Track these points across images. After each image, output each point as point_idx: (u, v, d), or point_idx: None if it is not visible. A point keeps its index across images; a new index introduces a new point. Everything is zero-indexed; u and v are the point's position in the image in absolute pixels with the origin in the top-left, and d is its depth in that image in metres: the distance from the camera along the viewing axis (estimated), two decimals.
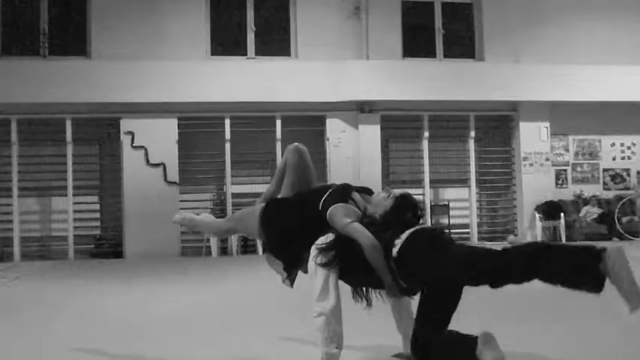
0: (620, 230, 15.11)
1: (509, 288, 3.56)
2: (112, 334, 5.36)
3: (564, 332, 5.04)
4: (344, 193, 3.98)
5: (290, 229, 4.08)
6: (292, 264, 4.12)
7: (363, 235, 3.66)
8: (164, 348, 4.75)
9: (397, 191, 4.01)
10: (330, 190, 4.02)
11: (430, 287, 3.54)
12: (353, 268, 3.78)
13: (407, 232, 3.64)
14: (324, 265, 3.75)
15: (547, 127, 15.55)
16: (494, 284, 3.50)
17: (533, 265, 3.35)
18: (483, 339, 3.38)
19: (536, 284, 3.49)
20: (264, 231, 4.20)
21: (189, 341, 4.74)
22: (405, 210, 3.80)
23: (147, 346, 4.83)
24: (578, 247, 3.37)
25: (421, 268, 3.55)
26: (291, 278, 4.18)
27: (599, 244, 3.32)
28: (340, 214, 3.79)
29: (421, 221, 3.93)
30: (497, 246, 3.62)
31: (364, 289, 3.97)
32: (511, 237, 15.37)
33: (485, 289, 3.59)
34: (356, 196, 3.97)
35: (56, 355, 4.58)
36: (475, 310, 3.71)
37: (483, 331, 3.42)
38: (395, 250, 3.60)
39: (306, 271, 3.94)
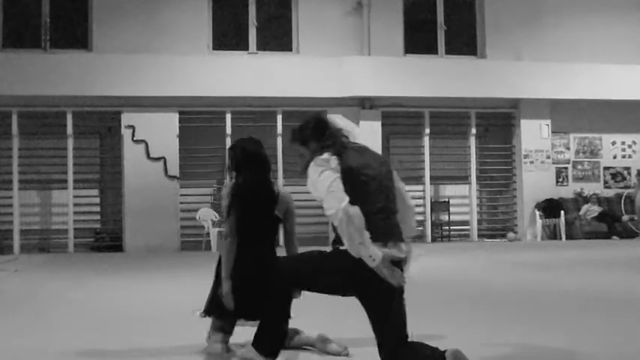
0: (620, 228, 15.12)
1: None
2: (111, 327, 5.37)
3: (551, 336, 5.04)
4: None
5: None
6: None
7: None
8: (164, 341, 4.76)
9: None
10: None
11: None
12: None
13: None
14: None
15: (548, 125, 15.54)
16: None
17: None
18: (453, 357, 3.28)
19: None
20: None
21: (190, 334, 4.74)
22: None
23: (147, 339, 4.84)
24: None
25: None
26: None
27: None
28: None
29: None
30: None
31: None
32: (511, 234, 15.37)
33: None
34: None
35: (55, 348, 4.59)
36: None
37: (453, 350, 3.31)
38: None
39: None
